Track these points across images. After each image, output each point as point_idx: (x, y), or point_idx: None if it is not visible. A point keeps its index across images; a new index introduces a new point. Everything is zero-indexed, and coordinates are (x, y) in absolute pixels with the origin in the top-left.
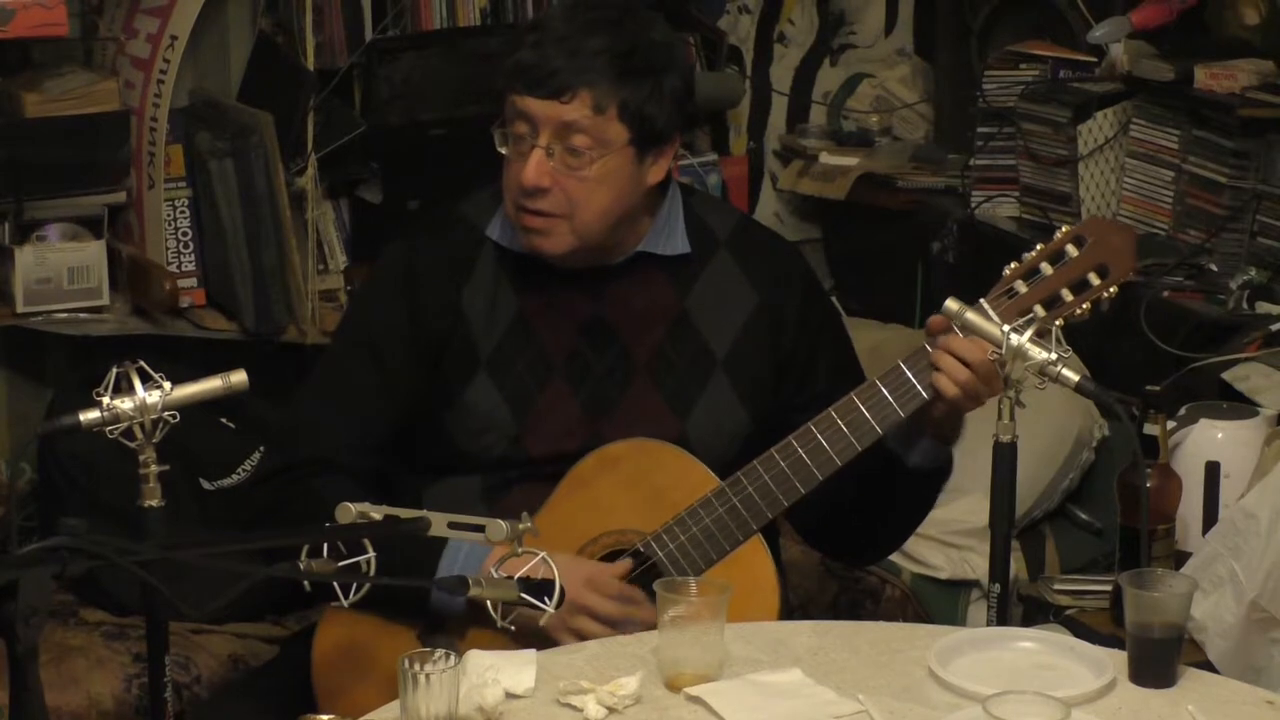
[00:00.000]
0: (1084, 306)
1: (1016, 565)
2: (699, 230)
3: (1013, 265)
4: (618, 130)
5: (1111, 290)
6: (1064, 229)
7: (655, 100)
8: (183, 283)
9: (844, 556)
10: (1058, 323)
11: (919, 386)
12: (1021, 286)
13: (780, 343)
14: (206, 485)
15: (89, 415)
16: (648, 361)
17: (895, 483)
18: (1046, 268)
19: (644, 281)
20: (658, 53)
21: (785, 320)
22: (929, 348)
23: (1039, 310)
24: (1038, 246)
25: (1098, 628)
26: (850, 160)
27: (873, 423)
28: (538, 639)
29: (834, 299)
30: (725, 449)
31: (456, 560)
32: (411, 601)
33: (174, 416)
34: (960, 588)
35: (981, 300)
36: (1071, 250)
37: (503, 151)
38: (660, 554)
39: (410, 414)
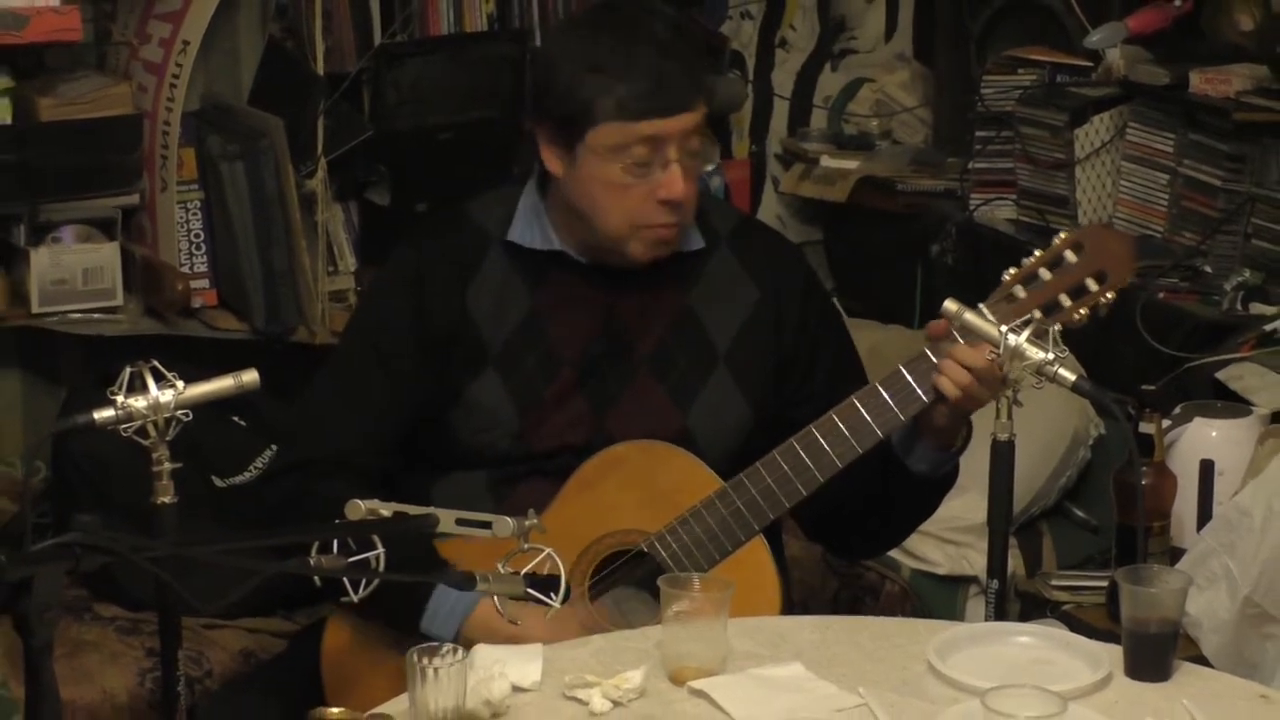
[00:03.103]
0: (1082, 312)
1: (1014, 562)
2: (706, 230)
3: (1012, 271)
4: (704, 121)
5: (1109, 296)
6: (1063, 235)
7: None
8: (195, 284)
9: (843, 552)
10: (1056, 326)
11: (919, 390)
12: (1021, 292)
13: (781, 338)
14: (218, 482)
15: (103, 414)
16: (652, 356)
17: (898, 487)
18: (1045, 273)
19: (653, 279)
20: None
21: (786, 316)
22: (929, 352)
23: (1038, 315)
24: (1036, 252)
25: (1094, 623)
26: (851, 164)
27: (873, 426)
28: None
29: (834, 300)
30: (727, 443)
31: (440, 609)
32: (405, 622)
33: (186, 415)
34: (959, 584)
35: (981, 305)
36: (1070, 256)
37: (616, 181)
38: (664, 554)
39: (418, 412)
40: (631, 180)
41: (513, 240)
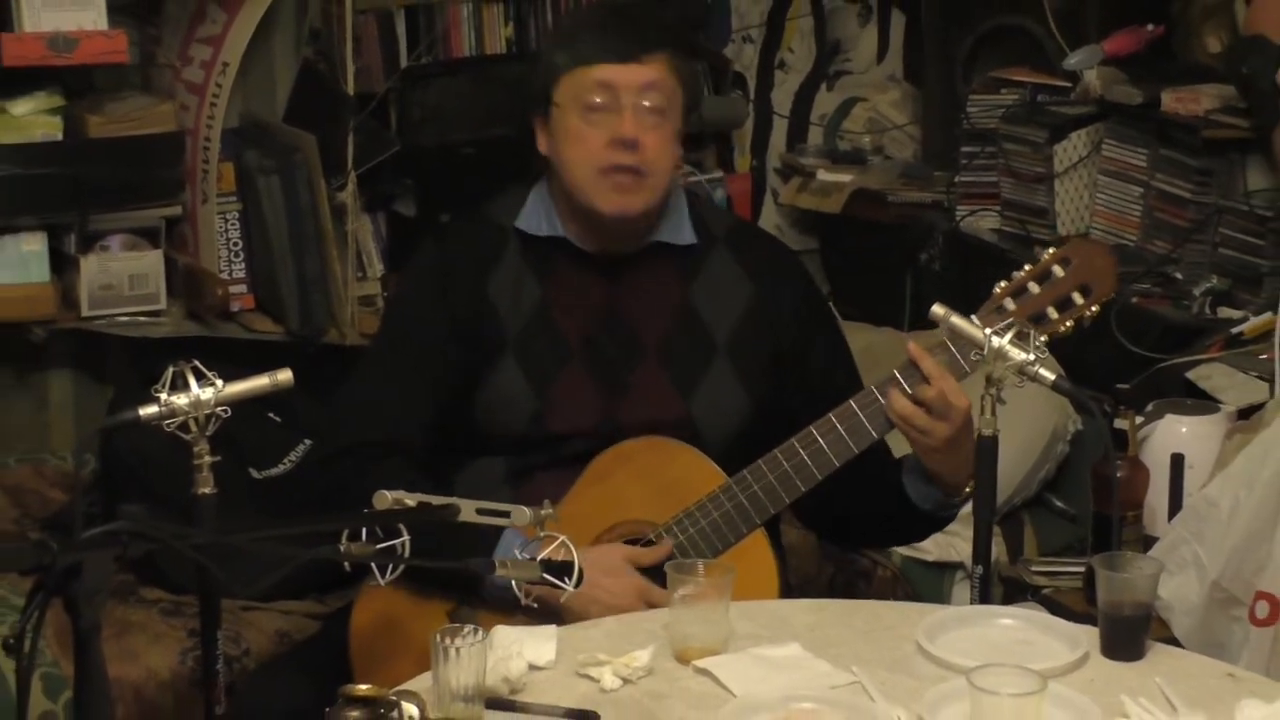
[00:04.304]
0: (1068, 324)
1: (997, 549)
2: (701, 229)
3: (1002, 284)
4: (679, 95)
5: (1094, 309)
6: (1051, 251)
7: (695, 80)
8: (233, 289)
9: (834, 542)
10: (1044, 337)
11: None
12: (1010, 304)
13: (776, 331)
14: (255, 474)
15: (148, 410)
16: (656, 346)
17: (900, 515)
18: (1034, 287)
19: (654, 272)
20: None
21: (780, 310)
22: (896, 374)
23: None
24: (1026, 267)
25: (1072, 606)
26: (845, 177)
27: (869, 427)
28: (554, 617)
29: (830, 304)
30: (727, 429)
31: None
32: (447, 578)
33: (225, 411)
34: (946, 569)
35: (972, 316)
36: (1058, 271)
37: (574, 125)
38: (673, 543)
39: (448, 395)
40: (590, 129)
41: (520, 227)
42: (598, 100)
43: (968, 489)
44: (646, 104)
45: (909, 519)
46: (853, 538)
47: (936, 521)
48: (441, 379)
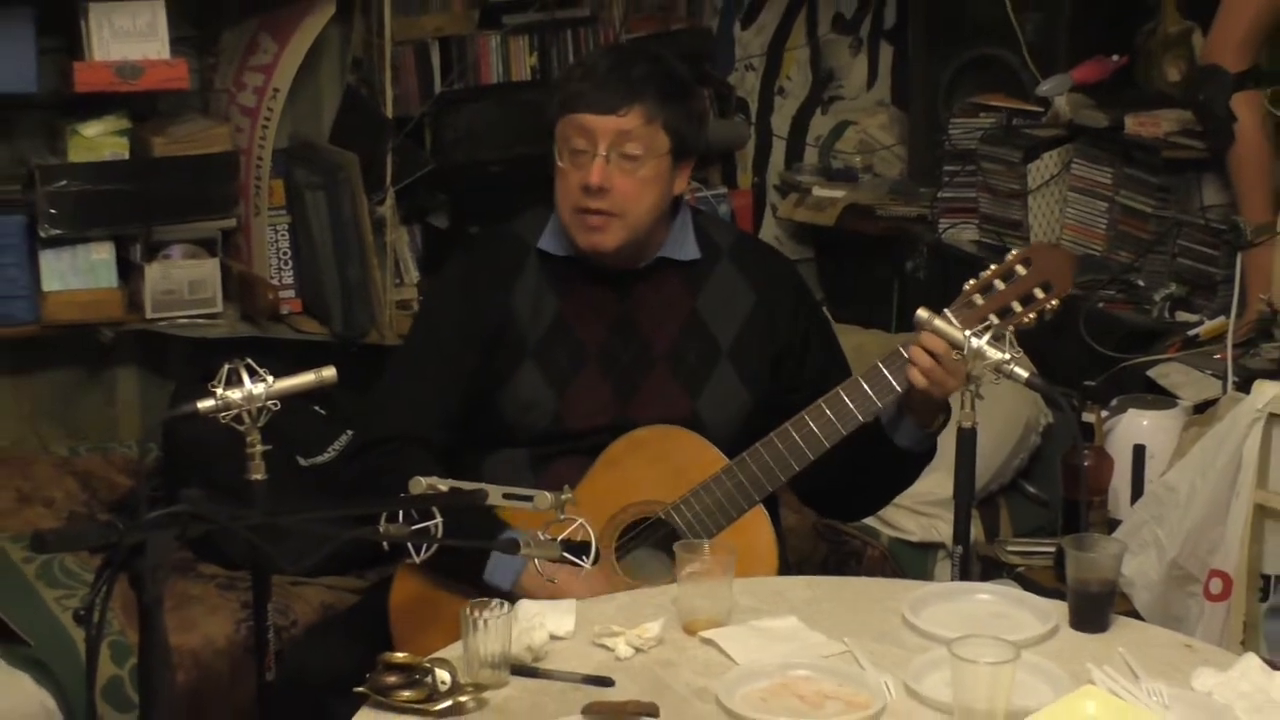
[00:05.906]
0: (1031, 316)
1: (976, 530)
2: (706, 243)
3: (971, 281)
4: (661, 139)
5: (1054, 303)
6: (1014, 251)
7: (686, 119)
8: (283, 294)
9: (832, 514)
10: (1010, 328)
11: (893, 381)
12: (979, 299)
13: (776, 335)
14: (302, 462)
15: (205, 403)
16: (665, 352)
17: (884, 459)
18: (1000, 284)
19: (662, 284)
20: (686, 84)
21: (779, 317)
22: (901, 349)
23: (993, 319)
24: (992, 266)
25: (1043, 583)
26: (838, 193)
27: (855, 412)
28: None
29: (824, 308)
30: (731, 425)
31: (499, 565)
32: (466, 575)
33: (275, 404)
34: (929, 549)
35: (945, 309)
36: (1021, 270)
37: (561, 165)
38: (679, 521)
39: (471, 395)
40: (573, 170)
41: (542, 248)
42: (579, 146)
43: (939, 421)
44: (622, 152)
45: (899, 461)
46: (851, 506)
47: (919, 458)
48: (464, 380)
